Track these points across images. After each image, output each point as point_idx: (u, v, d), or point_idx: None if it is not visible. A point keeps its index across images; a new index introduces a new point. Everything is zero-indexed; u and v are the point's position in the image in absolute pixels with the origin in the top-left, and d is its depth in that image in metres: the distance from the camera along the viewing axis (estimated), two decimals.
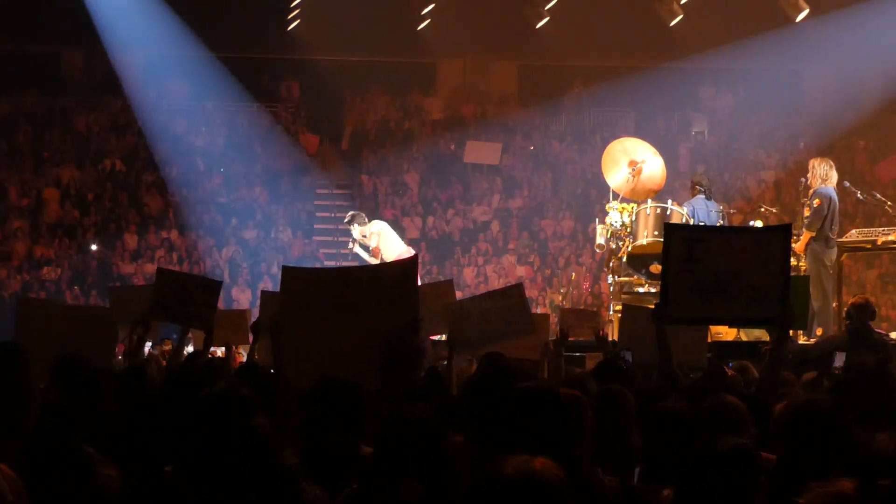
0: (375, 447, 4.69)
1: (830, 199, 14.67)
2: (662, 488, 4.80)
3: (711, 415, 5.52)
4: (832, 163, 15.14)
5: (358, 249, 18.56)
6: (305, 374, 6.86)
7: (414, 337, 7.14)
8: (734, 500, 4.26)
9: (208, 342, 9.33)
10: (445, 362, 8.86)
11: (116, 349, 12.90)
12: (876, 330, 11.96)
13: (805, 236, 14.63)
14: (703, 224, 15.14)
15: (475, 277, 26.55)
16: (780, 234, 7.37)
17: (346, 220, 18.98)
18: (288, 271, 7.92)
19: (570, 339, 10.62)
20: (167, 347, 14.01)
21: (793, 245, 14.26)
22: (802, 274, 14.72)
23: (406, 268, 8.03)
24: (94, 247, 26.69)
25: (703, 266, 7.11)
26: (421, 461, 4.47)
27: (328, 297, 7.55)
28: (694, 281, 7.10)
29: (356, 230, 18.48)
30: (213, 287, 9.59)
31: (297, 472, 4.82)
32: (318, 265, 26.91)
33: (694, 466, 4.35)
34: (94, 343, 8.48)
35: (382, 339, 6.96)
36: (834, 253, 14.86)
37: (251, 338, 9.92)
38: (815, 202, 14.57)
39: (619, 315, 14.31)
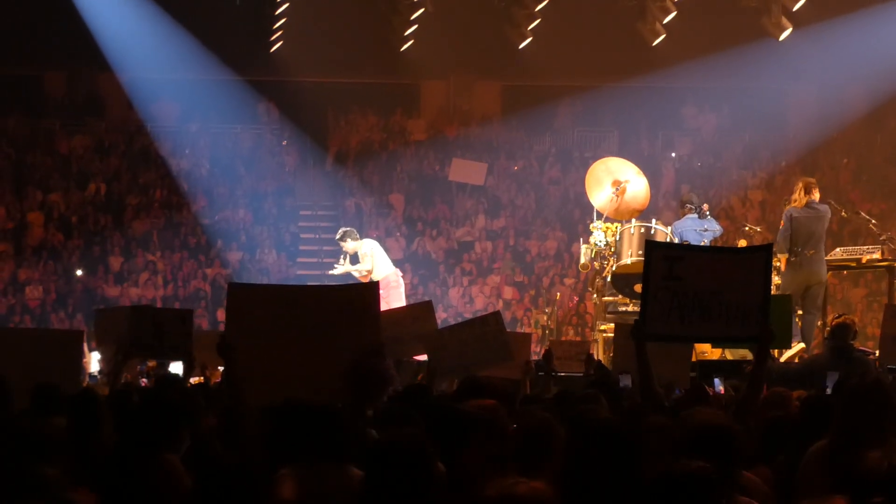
0: (367, 473, 4.63)
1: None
2: None
3: (689, 432, 5.36)
4: (814, 182, 15.10)
5: (348, 267, 18.41)
6: (260, 393, 6.79)
7: (379, 362, 7.07)
8: None
9: (188, 371, 9.35)
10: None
11: (95, 370, 12.83)
12: (858, 348, 11.96)
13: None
14: (687, 243, 15.10)
15: (461, 298, 26.52)
16: (762, 254, 7.36)
17: (337, 237, 18.82)
18: (234, 287, 7.79)
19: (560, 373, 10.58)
20: (152, 364, 13.95)
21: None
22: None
23: (364, 293, 7.94)
24: (79, 272, 26.59)
25: (683, 284, 7.10)
26: (412, 486, 4.41)
27: (278, 316, 7.46)
28: (674, 299, 7.09)
29: (349, 245, 18.38)
30: (186, 317, 9.62)
31: None
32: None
33: (653, 490, 4.24)
34: (60, 367, 8.41)
35: (347, 364, 6.89)
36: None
37: None
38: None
39: (609, 335, 14.37)
